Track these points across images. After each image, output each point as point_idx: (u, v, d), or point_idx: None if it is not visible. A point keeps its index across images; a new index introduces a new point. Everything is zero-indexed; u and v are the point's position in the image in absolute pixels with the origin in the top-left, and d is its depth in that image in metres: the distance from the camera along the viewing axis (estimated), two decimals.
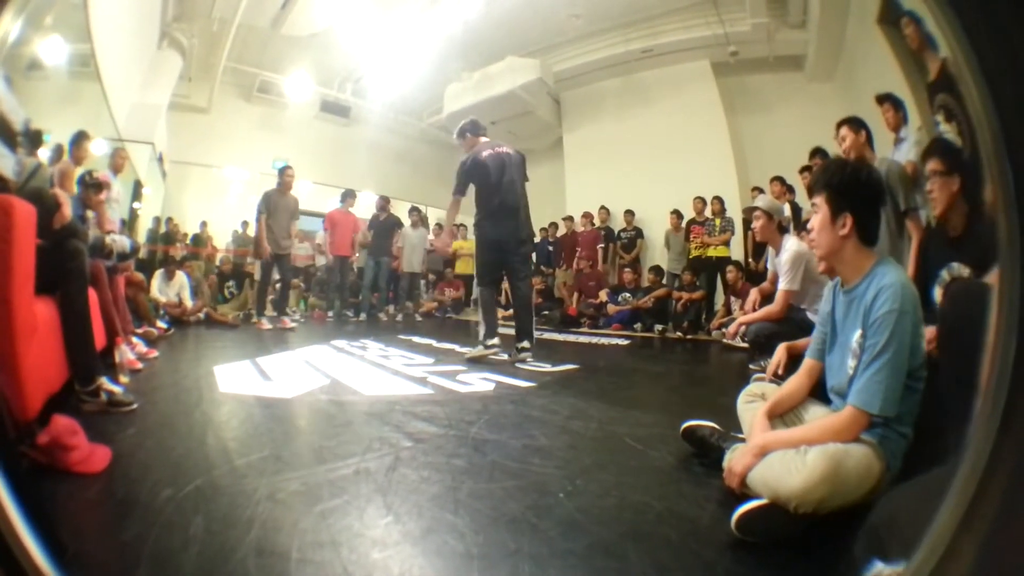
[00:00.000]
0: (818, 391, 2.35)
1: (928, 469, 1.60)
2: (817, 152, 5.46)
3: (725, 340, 6.43)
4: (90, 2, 6.55)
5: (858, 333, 2.00)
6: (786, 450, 1.90)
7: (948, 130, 2.79)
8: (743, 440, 2.32)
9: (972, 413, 1.15)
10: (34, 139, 3.95)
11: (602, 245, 10.68)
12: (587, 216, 11.12)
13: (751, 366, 4.77)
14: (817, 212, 2.17)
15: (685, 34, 9.99)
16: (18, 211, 2.26)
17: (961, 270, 2.57)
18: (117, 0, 7.49)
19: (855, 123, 3.99)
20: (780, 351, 3.23)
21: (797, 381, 2.38)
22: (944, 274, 2.58)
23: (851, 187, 2.10)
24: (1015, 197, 1.08)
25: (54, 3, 6.14)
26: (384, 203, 9.85)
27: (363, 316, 9.55)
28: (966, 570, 1.10)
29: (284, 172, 8.35)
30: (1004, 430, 1.08)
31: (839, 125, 4.14)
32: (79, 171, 4.81)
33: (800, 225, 5.18)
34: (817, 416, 2.19)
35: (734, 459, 2.06)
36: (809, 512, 1.75)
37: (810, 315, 4.00)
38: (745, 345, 5.04)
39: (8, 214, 2.19)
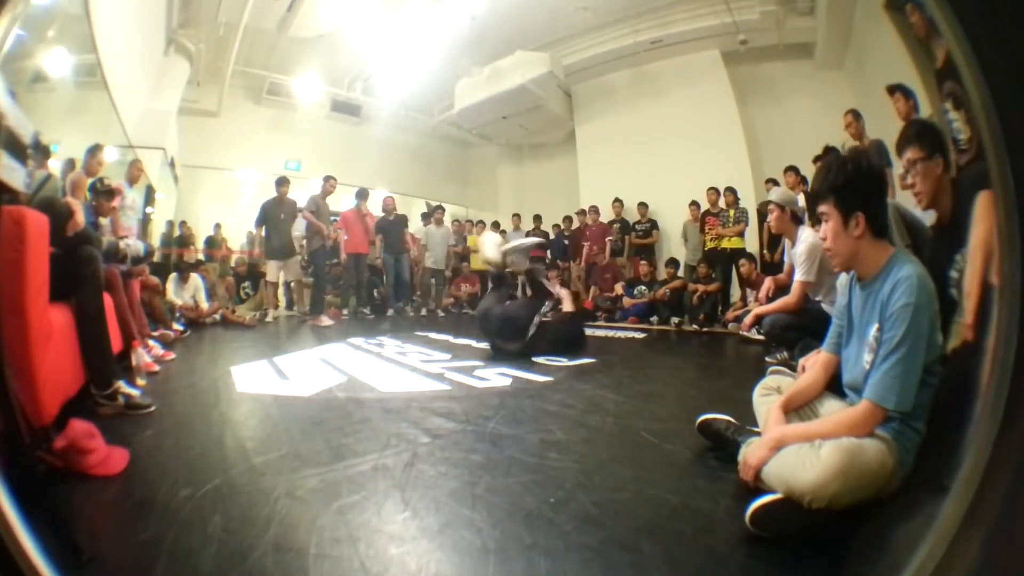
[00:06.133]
0: (835, 385, 2.33)
1: (939, 467, 1.59)
2: (829, 150, 5.43)
3: (741, 332, 6.41)
4: (93, 13, 6.58)
5: (875, 327, 1.97)
6: (800, 444, 1.89)
7: (956, 117, 2.73)
8: (758, 434, 2.30)
9: (974, 411, 1.14)
10: (44, 151, 3.98)
11: (611, 238, 10.64)
12: (593, 210, 11.11)
13: (767, 359, 4.75)
14: (827, 219, 2.11)
15: (694, 24, 9.94)
16: (30, 221, 2.28)
17: (967, 259, 2.49)
18: (120, 10, 7.51)
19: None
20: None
21: (813, 375, 2.36)
22: (953, 273, 2.50)
23: (856, 184, 2.05)
24: (1015, 195, 1.07)
25: (56, 16, 6.18)
26: (390, 204, 9.96)
27: (410, 311, 10.05)
28: (970, 566, 1.10)
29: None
30: (1005, 428, 1.08)
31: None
32: (91, 180, 4.86)
33: (815, 216, 5.15)
34: (833, 410, 2.17)
35: (749, 452, 2.05)
36: (823, 507, 1.74)
37: (825, 307, 3.97)
38: (761, 337, 5.02)
39: (20, 224, 2.21)
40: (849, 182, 2.05)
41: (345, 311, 9.38)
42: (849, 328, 2.21)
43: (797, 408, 2.30)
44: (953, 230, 2.51)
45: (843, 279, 2.34)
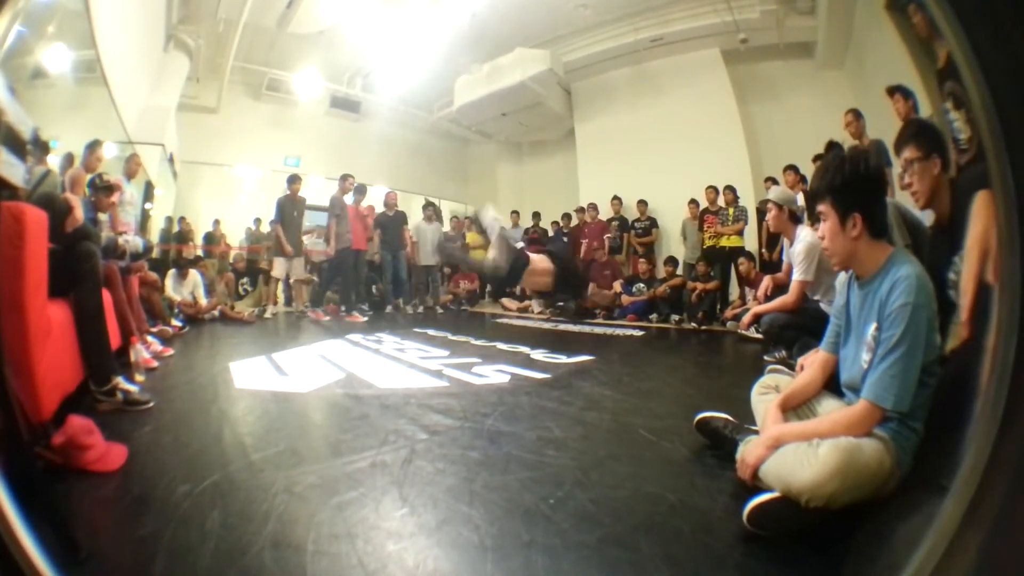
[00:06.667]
0: (833, 384, 2.34)
1: (938, 468, 1.59)
2: (832, 146, 5.43)
3: (740, 330, 6.41)
4: (93, 9, 6.56)
5: (873, 326, 1.97)
6: (799, 443, 1.89)
7: (957, 117, 2.72)
8: (757, 432, 2.31)
9: (973, 411, 1.14)
10: (43, 147, 3.98)
11: (609, 235, 10.62)
12: (592, 207, 11.11)
13: (765, 357, 4.75)
14: (825, 219, 2.11)
15: (694, 22, 9.91)
16: (29, 217, 2.28)
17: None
18: (120, 6, 7.48)
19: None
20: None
21: (811, 374, 2.36)
22: (951, 275, 2.49)
23: (854, 185, 2.04)
24: (1015, 196, 1.07)
25: (55, 12, 6.17)
26: (392, 200, 9.96)
27: (418, 307, 10.25)
28: (969, 566, 1.10)
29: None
30: (1005, 428, 1.08)
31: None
32: (90, 176, 4.86)
33: (814, 215, 5.14)
34: (831, 410, 2.17)
35: (747, 451, 2.05)
36: (820, 506, 1.74)
37: (823, 306, 3.98)
38: (759, 336, 5.02)
39: (19, 220, 2.22)
40: (847, 183, 2.04)
41: (342, 308, 9.35)
42: (847, 327, 2.21)
43: (795, 407, 2.30)
44: (951, 231, 2.50)
45: (841, 278, 2.34)
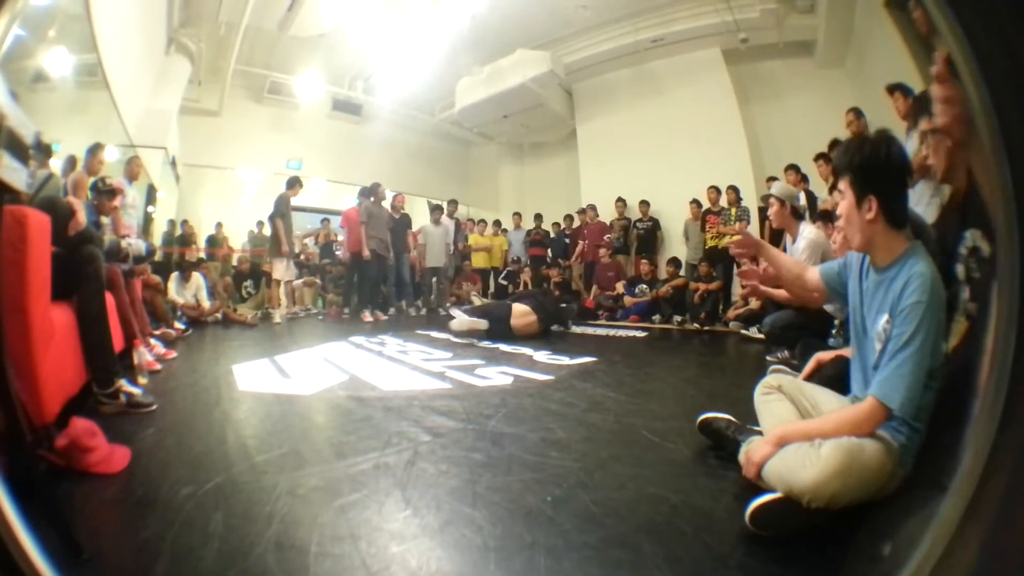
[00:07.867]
0: (834, 384, 2.33)
1: (938, 467, 1.59)
2: (835, 144, 5.42)
3: (728, 318, 6.40)
4: (94, 13, 6.57)
5: (884, 318, 1.95)
6: (801, 443, 1.89)
7: None
8: (759, 433, 2.30)
9: (973, 410, 1.14)
10: (45, 151, 3.99)
11: (609, 236, 10.60)
12: (592, 208, 11.13)
13: (768, 357, 4.74)
14: (843, 198, 2.09)
15: (694, 22, 9.92)
16: (32, 221, 2.28)
17: (976, 239, 2.45)
18: (121, 10, 7.49)
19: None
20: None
21: (803, 267, 2.43)
22: (962, 249, 2.46)
23: (872, 167, 2.01)
24: (1012, 194, 1.07)
25: (56, 16, 6.18)
26: (400, 202, 9.93)
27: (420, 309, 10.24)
28: (969, 565, 1.10)
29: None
30: (1004, 427, 1.08)
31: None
32: (92, 179, 4.87)
33: (815, 214, 5.13)
34: (832, 407, 2.17)
35: (752, 448, 2.04)
36: (822, 507, 1.74)
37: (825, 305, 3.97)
38: (762, 336, 5.01)
39: (22, 224, 2.22)
40: (863, 164, 2.02)
41: (346, 310, 9.32)
42: (859, 299, 2.18)
43: (765, 260, 2.57)
44: (966, 207, 2.50)
45: (853, 258, 2.30)
